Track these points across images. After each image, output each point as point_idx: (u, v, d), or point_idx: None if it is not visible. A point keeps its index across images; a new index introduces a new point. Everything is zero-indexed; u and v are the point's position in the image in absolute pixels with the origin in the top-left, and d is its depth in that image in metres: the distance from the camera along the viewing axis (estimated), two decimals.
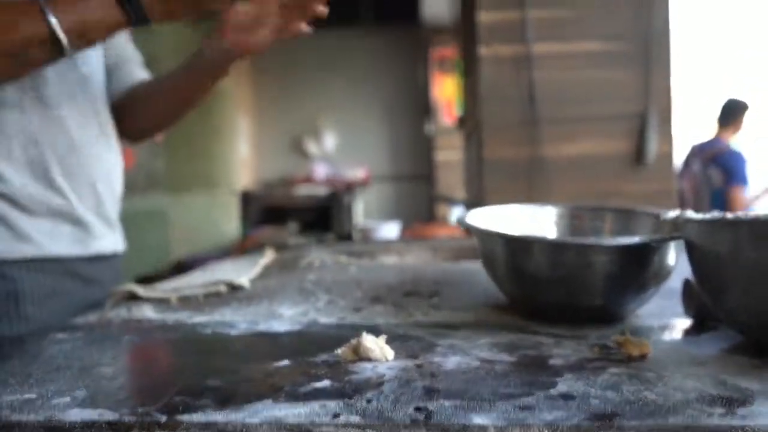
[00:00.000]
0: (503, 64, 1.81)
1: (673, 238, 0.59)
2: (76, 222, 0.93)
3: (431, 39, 5.25)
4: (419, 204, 5.53)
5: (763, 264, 0.46)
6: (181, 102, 1.02)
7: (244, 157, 5.20)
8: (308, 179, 5.30)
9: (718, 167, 3.62)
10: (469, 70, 2.16)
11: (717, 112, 3.77)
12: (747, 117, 3.68)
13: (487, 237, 0.68)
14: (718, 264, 0.50)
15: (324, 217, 1.95)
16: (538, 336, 0.60)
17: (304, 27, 0.91)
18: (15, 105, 0.85)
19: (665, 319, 0.67)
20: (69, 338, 0.65)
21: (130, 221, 1.07)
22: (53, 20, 0.73)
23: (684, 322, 0.65)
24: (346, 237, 1.93)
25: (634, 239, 0.59)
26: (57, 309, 0.89)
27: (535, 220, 0.81)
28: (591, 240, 0.61)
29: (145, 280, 2.10)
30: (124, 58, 1.06)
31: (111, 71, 1.03)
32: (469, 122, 2.05)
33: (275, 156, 5.55)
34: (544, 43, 1.79)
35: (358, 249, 1.35)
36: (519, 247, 0.65)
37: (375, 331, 0.65)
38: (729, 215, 0.49)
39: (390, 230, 1.85)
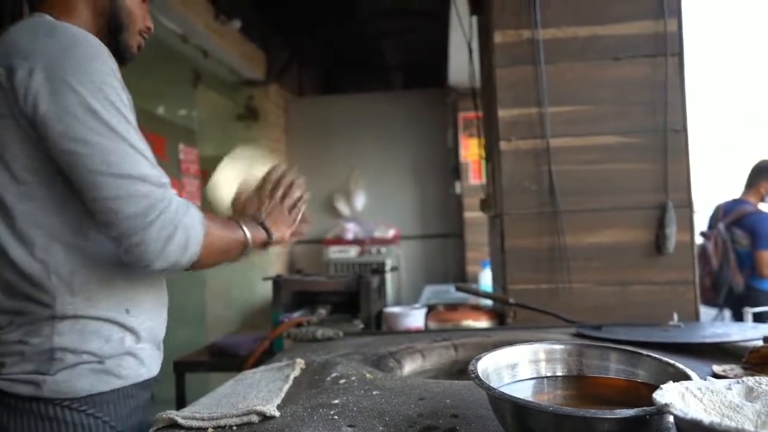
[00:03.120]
0: (523, 157, 1.88)
1: (669, 413, 0.64)
2: (159, 346, 1.16)
3: (458, 102, 5.38)
4: (449, 263, 5.56)
5: None
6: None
7: None
8: (339, 239, 5.40)
9: (743, 229, 3.61)
10: (489, 155, 2.24)
11: (745, 174, 3.78)
12: None
13: (493, 395, 0.73)
14: None
15: (353, 301, 2.02)
16: None
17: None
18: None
19: None
20: None
21: (170, 280, 1.19)
22: (247, 233, 1.14)
23: None
24: (375, 319, 1.98)
25: (633, 412, 0.64)
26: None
27: (545, 359, 0.86)
28: (592, 412, 0.66)
29: (182, 365, 2.18)
30: None
31: None
32: (492, 207, 2.11)
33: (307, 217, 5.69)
34: (561, 138, 1.87)
35: (384, 350, 1.41)
36: (524, 411, 0.70)
37: None
38: (716, 423, 0.53)
39: (416, 318, 1.90)
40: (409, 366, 1.39)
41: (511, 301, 1.78)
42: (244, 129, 5.18)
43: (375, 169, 5.67)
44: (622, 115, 1.86)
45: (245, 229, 1.14)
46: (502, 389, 0.75)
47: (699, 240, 3.82)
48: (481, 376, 0.76)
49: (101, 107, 0.94)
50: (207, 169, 4.46)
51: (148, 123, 3.35)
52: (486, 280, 3.83)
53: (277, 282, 2.09)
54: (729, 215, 3.71)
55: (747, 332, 1.43)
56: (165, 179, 1.00)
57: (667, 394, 0.62)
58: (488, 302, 2.26)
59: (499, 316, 1.96)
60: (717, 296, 3.64)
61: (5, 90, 0.95)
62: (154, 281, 1.13)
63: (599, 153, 1.86)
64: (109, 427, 1.03)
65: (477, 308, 2.03)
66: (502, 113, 1.90)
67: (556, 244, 1.85)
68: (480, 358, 0.82)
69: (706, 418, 0.54)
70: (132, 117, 1.02)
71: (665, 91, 1.83)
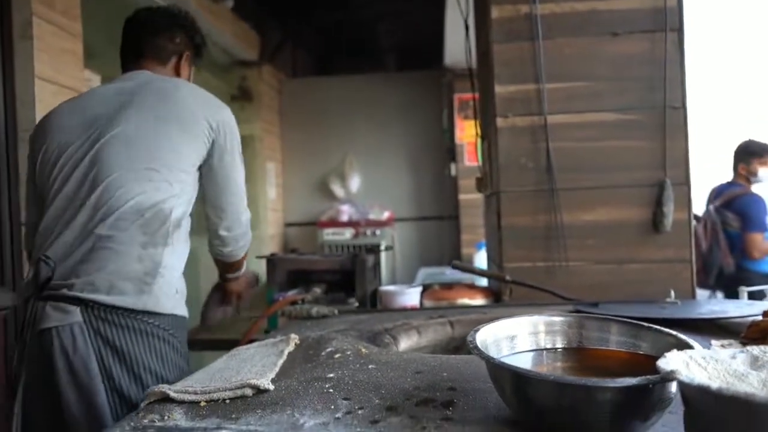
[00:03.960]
0: (520, 134, 1.86)
1: (672, 379, 0.62)
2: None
3: (454, 83, 5.34)
4: (443, 245, 5.55)
5: None
6: None
7: (272, 201, 5.31)
8: (334, 221, 5.37)
9: (734, 211, 3.62)
10: (484, 133, 2.22)
11: (732, 156, 3.78)
12: (757, 159, 3.67)
13: (493, 365, 0.72)
14: (709, 424, 0.54)
15: (348, 279, 2.00)
16: None
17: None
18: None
19: None
20: None
21: None
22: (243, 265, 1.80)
23: None
24: (370, 298, 1.97)
25: (636, 380, 0.63)
26: None
27: (545, 332, 0.85)
28: (594, 381, 0.65)
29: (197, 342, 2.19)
30: None
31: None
32: (488, 185, 2.10)
33: (302, 199, 5.64)
34: (559, 115, 1.85)
35: (379, 327, 1.40)
36: (525, 380, 0.69)
37: None
38: (724, 388, 0.52)
39: (411, 296, 1.89)
40: (405, 342, 1.38)
41: (508, 278, 1.77)
42: (238, 110, 5.12)
43: (370, 151, 5.62)
44: (621, 92, 1.83)
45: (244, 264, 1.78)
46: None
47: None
48: (479, 347, 0.75)
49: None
50: None
51: None
52: (481, 261, 3.82)
53: (272, 260, 2.07)
54: (720, 198, 3.72)
55: (744, 309, 1.42)
56: None
57: (672, 361, 0.61)
58: (484, 281, 2.25)
59: (495, 294, 1.95)
60: (707, 278, 3.65)
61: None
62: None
63: (597, 130, 1.84)
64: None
65: (473, 287, 2.02)
66: (499, 89, 1.87)
67: (553, 221, 1.84)
68: (478, 329, 0.80)
69: (714, 384, 0.53)
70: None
71: (664, 67, 1.81)
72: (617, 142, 1.83)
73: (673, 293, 1.55)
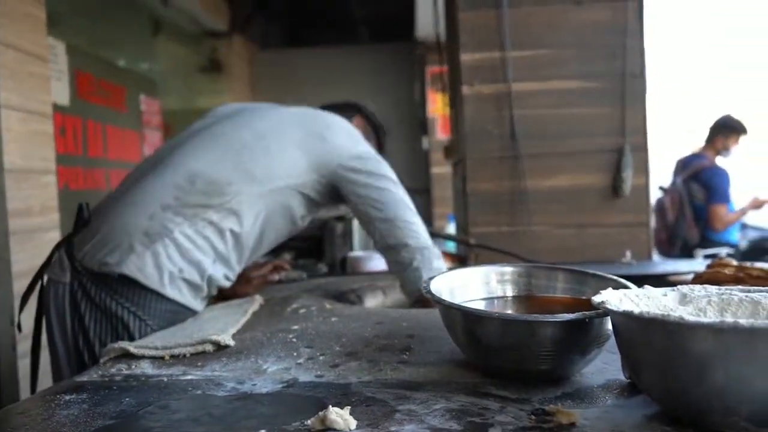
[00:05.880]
0: (485, 102, 1.89)
1: (606, 314, 0.67)
2: None
3: (426, 56, 5.34)
4: None
5: (671, 352, 0.54)
6: None
7: None
8: None
9: (699, 183, 3.71)
10: (453, 103, 2.25)
11: (706, 130, 3.86)
12: (735, 135, 3.76)
13: (447, 308, 0.76)
14: (635, 349, 0.59)
15: (317, 246, 2.03)
16: (488, 399, 0.69)
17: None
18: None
19: (606, 377, 0.75)
20: (75, 400, 0.74)
21: None
22: None
23: (621, 382, 0.73)
24: (339, 265, 2.00)
25: (573, 315, 0.67)
26: None
27: (496, 281, 0.89)
28: (535, 316, 0.69)
29: None
30: None
31: None
32: (455, 153, 2.13)
33: None
34: (523, 82, 1.88)
35: (346, 288, 1.44)
36: (473, 319, 0.73)
37: (347, 390, 0.74)
38: (645, 312, 0.57)
39: (380, 261, 1.92)
40: (370, 302, 1.42)
41: (472, 241, 1.81)
42: (209, 82, 5.07)
43: None
44: (583, 60, 1.88)
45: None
46: None
47: (659, 194, 3.92)
48: (433, 293, 0.78)
49: None
50: (170, 123, 4.37)
51: (105, 72, 3.25)
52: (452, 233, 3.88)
53: None
54: (687, 169, 3.81)
55: (696, 267, 1.49)
56: None
57: (605, 296, 0.66)
58: (451, 247, 2.30)
59: (461, 259, 2.00)
60: (672, 248, 3.76)
61: None
62: None
63: (560, 97, 1.88)
64: None
65: (444, 253, 2.06)
66: (465, 57, 1.90)
67: (517, 187, 1.89)
68: (433, 278, 0.84)
69: (636, 309, 0.57)
70: None
71: (624, 36, 1.85)
72: (579, 109, 1.88)
73: (629, 254, 1.61)
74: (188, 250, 1.24)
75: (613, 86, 1.86)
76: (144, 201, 1.25)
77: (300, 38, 6.78)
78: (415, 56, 5.48)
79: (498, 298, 0.87)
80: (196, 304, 1.27)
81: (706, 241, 3.74)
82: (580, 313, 0.68)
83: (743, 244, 4.16)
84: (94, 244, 1.22)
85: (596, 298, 0.64)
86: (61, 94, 2.78)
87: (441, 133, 5.33)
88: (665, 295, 0.70)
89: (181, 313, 1.23)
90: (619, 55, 1.85)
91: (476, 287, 0.88)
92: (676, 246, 3.77)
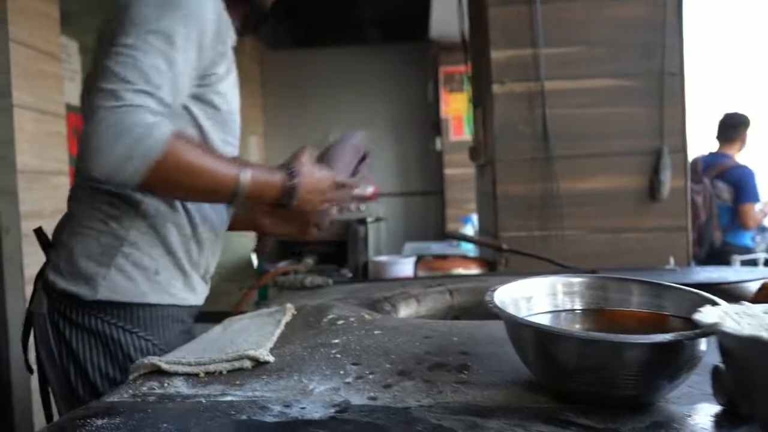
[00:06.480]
0: (516, 101, 1.82)
1: (706, 335, 0.60)
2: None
3: (440, 56, 5.27)
4: (429, 220, 5.53)
5: None
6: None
7: None
8: None
9: (726, 183, 3.62)
10: (479, 100, 2.17)
11: (717, 127, 3.77)
12: (749, 131, 3.69)
13: (515, 324, 0.68)
14: (755, 376, 0.51)
15: (340, 251, 1.96)
16: (570, 429, 0.61)
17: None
18: None
19: (694, 402, 0.68)
20: (108, 426, 0.67)
21: None
22: (242, 176, 0.99)
23: (713, 408, 0.66)
24: (361, 270, 1.93)
25: (668, 336, 0.60)
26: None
27: (563, 292, 0.82)
28: (623, 337, 0.62)
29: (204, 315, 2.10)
30: None
31: None
32: (482, 154, 2.06)
33: None
34: (556, 81, 1.81)
35: (378, 295, 1.36)
36: (548, 338, 0.65)
37: (408, 417, 0.66)
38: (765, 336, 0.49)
39: (405, 266, 1.86)
40: (405, 310, 1.35)
41: (504, 246, 1.74)
42: None
43: (353, 124, 5.52)
44: (619, 58, 1.80)
45: (243, 170, 1.00)
46: None
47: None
48: (500, 306, 0.71)
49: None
50: None
51: None
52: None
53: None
54: (711, 169, 3.72)
55: (744, 275, 1.42)
56: (164, 99, 0.95)
57: (709, 315, 0.58)
58: (467, 250, 2.22)
59: (489, 264, 1.92)
60: (701, 250, 3.66)
61: None
62: None
63: (594, 96, 1.81)
64: None
65: (467, 257, 1.99)
66: (495, 55, 1.83)
67: (549, 190, 1.81)
68: (495, 290, 0.77)
69: (739, 328, 0.50)
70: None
71: (663, 33, 1.78)
72: (614, 108, 1.80)
73: (672, 260, 1.54)
74: (146, 243, 1.08)
75: (650, 85, 1.79)
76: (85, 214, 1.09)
77: (310, 39, 6.73)
78: (428, 56, 5.41)
79: (566, 311, 0.80)
80: (188, 296, 1.14)
81: (726, 245, 3.65)
82: (679, 333, 0.60)
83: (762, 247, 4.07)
84: (60, 272, 1.09)
85: (701, 318, 0.57)
86: (74, 95, 2.72)
87: (454, 135, 5.26)
88: (767, 312, 0.62)
89: (179, 313, 1.12)
90: (656, 53, 1.78)
91: (542, 299, 0.80)
92: (704, 247, 3.67)
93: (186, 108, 1.06)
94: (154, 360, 0.87)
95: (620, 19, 1.79)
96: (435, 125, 5.44)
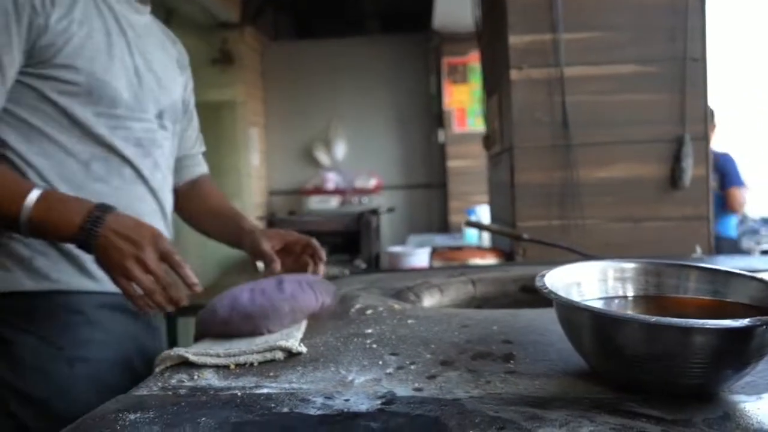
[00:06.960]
0: (535, 87, 1.78)
1: None
2: None
3: (442, 47, 5.21)
4: (432, 213, 5.49)
5: None
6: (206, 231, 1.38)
7: (255, 168, 5.16)
8: (319, 189, 5.26)
9: (714, 171, 3.65)
10: (493, 88, 2.13)
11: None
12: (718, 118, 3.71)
13: (572, 310, 0.65)
14: None
15: (351, 242, 1.92)
16: (640, 421, 0.57)
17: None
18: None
19: (760, 393, 0.64)
20: (143, 420, 0.63)
21: None
22: (27, 201, 0.89)
23: None
24: (374, 261, 1.89)
25: (745, 321, 0.56)
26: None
27: (614, 278, 0.78)
28: (692, 321, 0.58)
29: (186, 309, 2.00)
30: (192, 153, 1.39)
31: (179, 161, 1.33)
32: (496, 143, 2.02)
33: (286, 166, 5.51)
34: (576, 66, 1.77)
35: (400, 285, 1.32)
36: (610, 323, 0.62)
37: (461, 408, 0.62)
38: None
39: (420, 257, 1.82)
40: (428, 301, 1.31)
41: (525, 236, 1.70)
42: (220, 73, 4.95)
43: (355, 117, 5.50)
44: (640, 43, 1.76)
45: (36, 190, 0.90)
46: None
47: None
48: (553, 291, 0.67)
49: None
50: None
51: None
52: (471, 228, 3.76)
53: (271, 222, 1.98)
54: None
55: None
56: None
57: None
58: (472, 240, 2.18)
59: (506, 254, 1.89)
60: None
61: None
62: None
63: (615, 82, 1.77)
64: None
65: (481, 248, 1.95)
66: (513, 40, 1.78)
67: (569, 178, 1.78)
68: (544, 275, 0.73)
69: None
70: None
71: (685, 17, 1.73)
72: (636, 95, 1.76)
73: (699, 249, 1.50)
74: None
75: (672, 71, 1.75)
76: None
77: (311, 30, 6.66)
78: (430, 47, 5.35)
79: (618, 297, 0.76)
80: (84, 282, 1.02)
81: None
82: (756, 318, 0.56)
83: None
84: None
85: None
86: None
87: (458, 126, 5.21)
88: None
89: (72, 303, 1.01)
90: (679, 38, 1.74)
91: (592, 285, 0.76)
92: None
93: (30, 88, 0.98)
94: (181, 351, 0.83)
95: (642, 3, 1.75)
96: (437, 117, 5.39)
